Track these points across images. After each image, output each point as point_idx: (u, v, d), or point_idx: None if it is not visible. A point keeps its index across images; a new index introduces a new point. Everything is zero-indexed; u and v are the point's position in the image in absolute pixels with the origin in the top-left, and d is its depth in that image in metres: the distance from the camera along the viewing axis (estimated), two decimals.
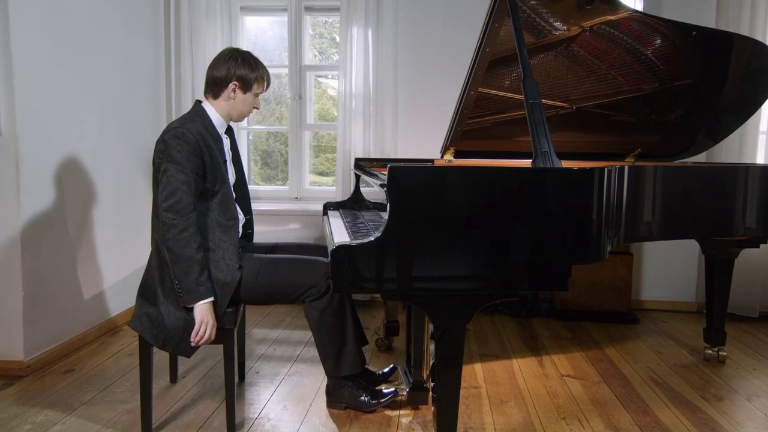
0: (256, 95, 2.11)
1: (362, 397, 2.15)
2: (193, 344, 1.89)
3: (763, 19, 3.28)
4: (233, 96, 2.05)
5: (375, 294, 1.68)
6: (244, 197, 2.21)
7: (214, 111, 2.06)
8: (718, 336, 2.75)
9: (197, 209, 1.90)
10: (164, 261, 1.91)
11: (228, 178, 2.02)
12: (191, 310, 1.88)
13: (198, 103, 2.07)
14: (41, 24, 2.53)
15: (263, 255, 2.12)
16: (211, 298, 1.89)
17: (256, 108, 2.14)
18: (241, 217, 2.18)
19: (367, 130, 3.54)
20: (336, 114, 3.71)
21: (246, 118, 2.15)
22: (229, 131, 2.15)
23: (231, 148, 2.14)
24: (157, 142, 1.93)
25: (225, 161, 2.04)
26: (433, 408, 2.07)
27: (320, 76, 4.02)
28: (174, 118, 3.52)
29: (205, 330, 1.87)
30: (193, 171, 1.87)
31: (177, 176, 1.85)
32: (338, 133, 3.57)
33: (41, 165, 2.56)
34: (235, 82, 2.03)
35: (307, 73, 3.79)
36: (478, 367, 2.64)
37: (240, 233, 2.17)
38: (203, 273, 1.87)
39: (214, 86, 2.05)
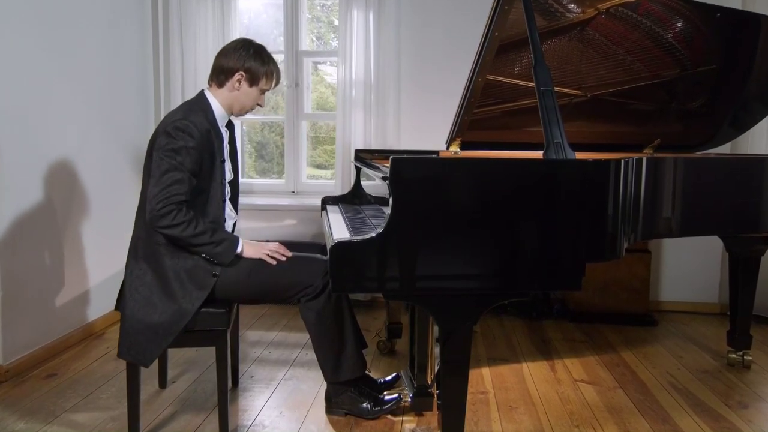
0: (262, 91, 2.13)
1: (364, 404, 2.15)
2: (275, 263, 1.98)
3: None
4: (237, 87, 2.07)
5: (377, 294, 1.69)
6: (235, 196, 2.23)
7: (216, 102, 2.08)
8: (743, 339, 2.75)
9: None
10: (139, 255, 1.97)
11: (221, 178, 2.05)
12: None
13: (201, 92, 2.09)
14: (21, 11, 2.53)
15: None
16: (241, 243, 1.98)
17: (260, 105, 2.16)
18: (234, 215, 2.19)
19: (368, 119, 3.53)
20: (335, 103, 3.70)
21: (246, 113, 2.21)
22: (230, 125, 2.17)
23: (229, 142, 2.16)
24: (156, 132, 1.95)
25: (223, 161, 2.06)
26: (438, 414, 2.08)
27: (318, 63, 4.02)
28: (163, 109, 3.56)
29: (273, 255, 1.98)
30: (190, 169, 1.90)
31: (173, 173, 1.88)
32: (337, 124, 3.56)
33: (22, 160, 2.56)
34: (242, 73, 2.05)
35: (304, 60, 3.78)
36: (486, 372, 2.65)
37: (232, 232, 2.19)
38: (216, 233, 1.93)
39: (220, 74, 2.07)
